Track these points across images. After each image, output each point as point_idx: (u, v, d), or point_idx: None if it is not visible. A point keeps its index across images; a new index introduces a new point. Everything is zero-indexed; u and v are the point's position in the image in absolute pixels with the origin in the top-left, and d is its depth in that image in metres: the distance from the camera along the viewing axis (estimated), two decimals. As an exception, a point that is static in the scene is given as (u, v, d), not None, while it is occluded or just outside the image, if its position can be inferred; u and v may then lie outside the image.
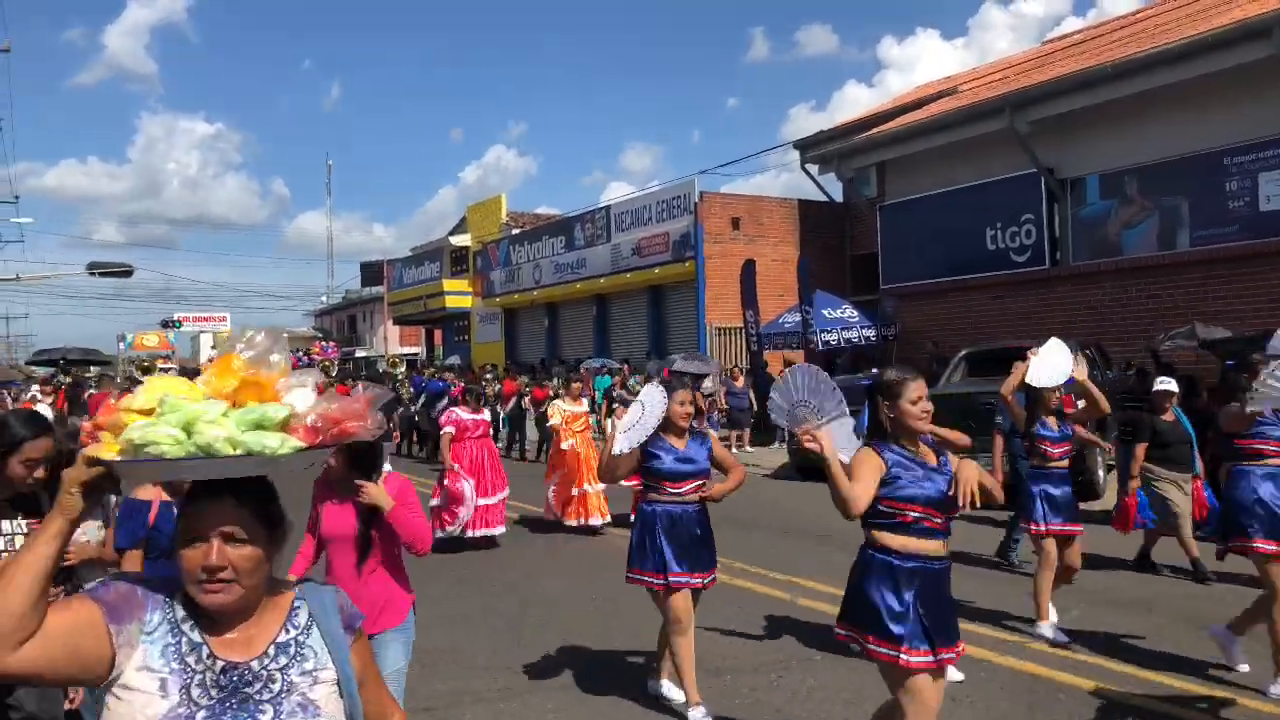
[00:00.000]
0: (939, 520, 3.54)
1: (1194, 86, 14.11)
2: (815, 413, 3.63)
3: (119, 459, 1.65)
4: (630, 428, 4.90)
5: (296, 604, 1.84)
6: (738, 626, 6.63)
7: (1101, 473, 11.85)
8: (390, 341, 45.69)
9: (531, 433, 18.69)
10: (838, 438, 3.64)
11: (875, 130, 20.08)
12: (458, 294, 33.56)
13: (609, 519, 10.40)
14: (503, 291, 30.56)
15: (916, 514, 3.49)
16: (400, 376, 21.38)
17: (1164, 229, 15.05)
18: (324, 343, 47.07)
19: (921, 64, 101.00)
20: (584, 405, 11.08)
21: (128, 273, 25.08)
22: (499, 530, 9.84)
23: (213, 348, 46.38)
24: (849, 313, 18.89)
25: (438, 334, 37.90)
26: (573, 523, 10.31)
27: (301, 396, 1.78)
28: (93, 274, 25.85)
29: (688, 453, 5.01)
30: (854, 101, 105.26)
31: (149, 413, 1.68)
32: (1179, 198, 14.80)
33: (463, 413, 9.89)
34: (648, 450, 4.95)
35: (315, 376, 1.85)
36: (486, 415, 10.26)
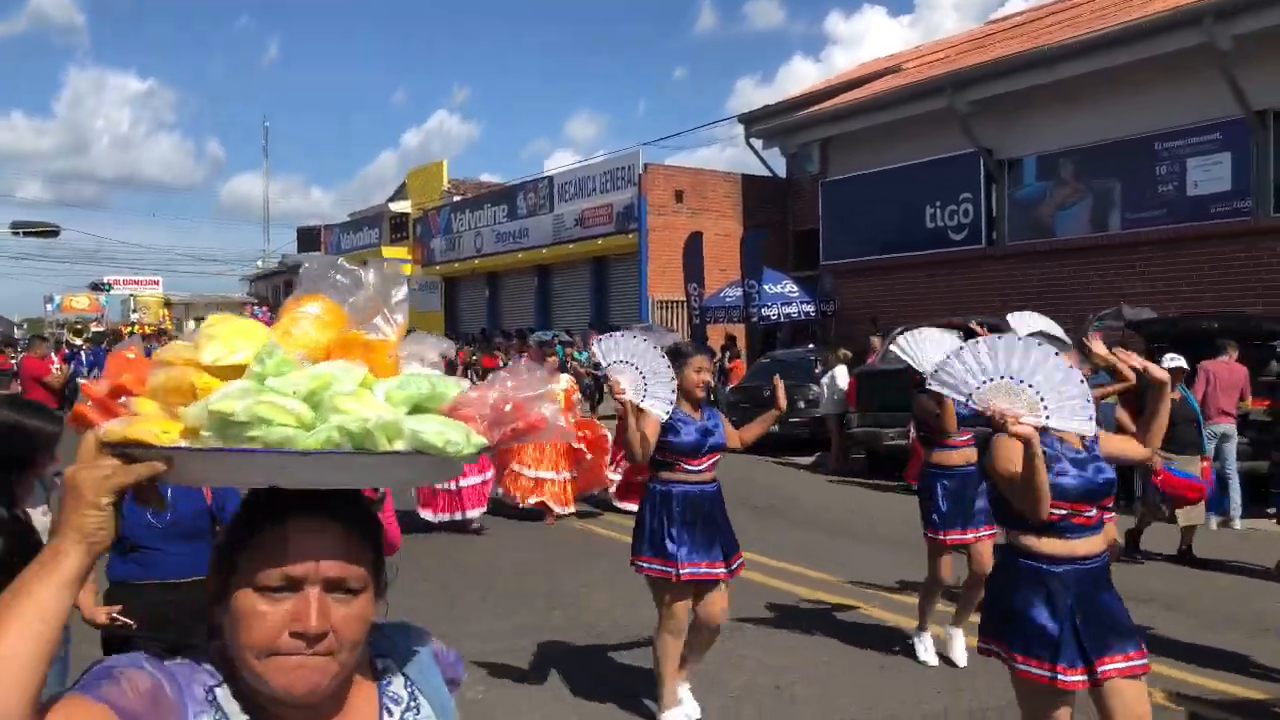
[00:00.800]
0: (1091, 515, 3.17)
1: (1128, 71, 14.39)
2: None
3: (190, 447, 1.03)
4: (645, 393, 4.17)
5: (382, 668, 1.23)
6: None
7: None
8: (328, 309, 44.92)
9: None
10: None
11: (819, 106, 20.16)
12: (397, 261, 33.07)
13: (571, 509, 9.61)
14: (443, 260, 30.23)
15: (1063, 510, 3.10)
16: None
17: (1096, 211, 15.37)
18: (256, 308, 46.14)
19: (868, 40, 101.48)
20: (563, 381, 9.77)
21: (54, 232, 24.23)
22: (476, 513, 8.91)
23: (134, 311, 45.24)
24: (789, 288, 19.03)
25: (377, 302, 37.38)
26: (563, 509, 9.46)
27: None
28: (16, 233, 24.94)
29: (706, 424, 4.53)
30: (800, 76, 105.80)
31: (231, 373, 1.08)
32: (1111, 180, 15.12)
33: None
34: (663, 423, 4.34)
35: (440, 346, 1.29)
36: None
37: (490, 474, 9.01)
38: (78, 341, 16.54)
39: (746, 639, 5.73)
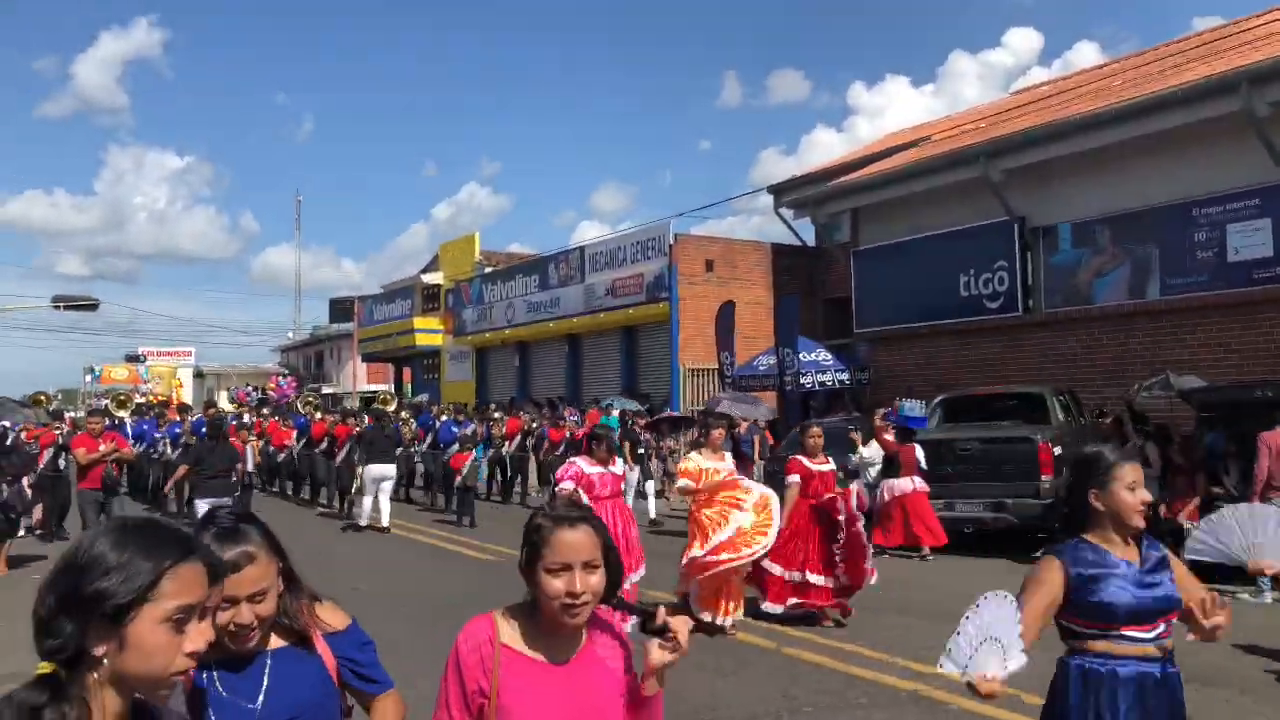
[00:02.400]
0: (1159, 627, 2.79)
1: (1164, 139, 14.38)
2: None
3: None
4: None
5: None
6: (727, 677, 6.51)
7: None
8: (358, 379, 45.25)
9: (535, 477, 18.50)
10: None
11: (850, 176, 20.27)
12: (428, 331, 33.35)
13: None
14: (474, 330, 30.39)
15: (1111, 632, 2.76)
16: (404, 415, 19.73)
17: (1134, 278, 15.24)
18: (281, 378, 46.47)
19: (891, 110, 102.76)
20: (727, 460, 8.03)
21: (93, 306, 24.67)
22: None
23: (145, 382, 45.42)
24: (823, 356, 18.93)
25: (406, 371, 37.60)
26: (726, 620, 7.65)
27: None
28: (57, 307, 25.38)
29: (1149, 568, 2.85)
30: (824, 146, 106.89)
31: None
32: (1149, 247, 15.00)
33: (586, 465, 7.58)
34: (1083, 577, 2.79)
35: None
36: (619, 468, 7.98)
37: (640, 573, 7.63)
38: (123, 414, 16.40)
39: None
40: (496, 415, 18.45)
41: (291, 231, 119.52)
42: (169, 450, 16.32)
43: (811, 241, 23.98)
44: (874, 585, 8.17)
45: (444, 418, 18.15)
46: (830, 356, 18.98)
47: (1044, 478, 11.07)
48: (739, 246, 24.12)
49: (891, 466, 11.79)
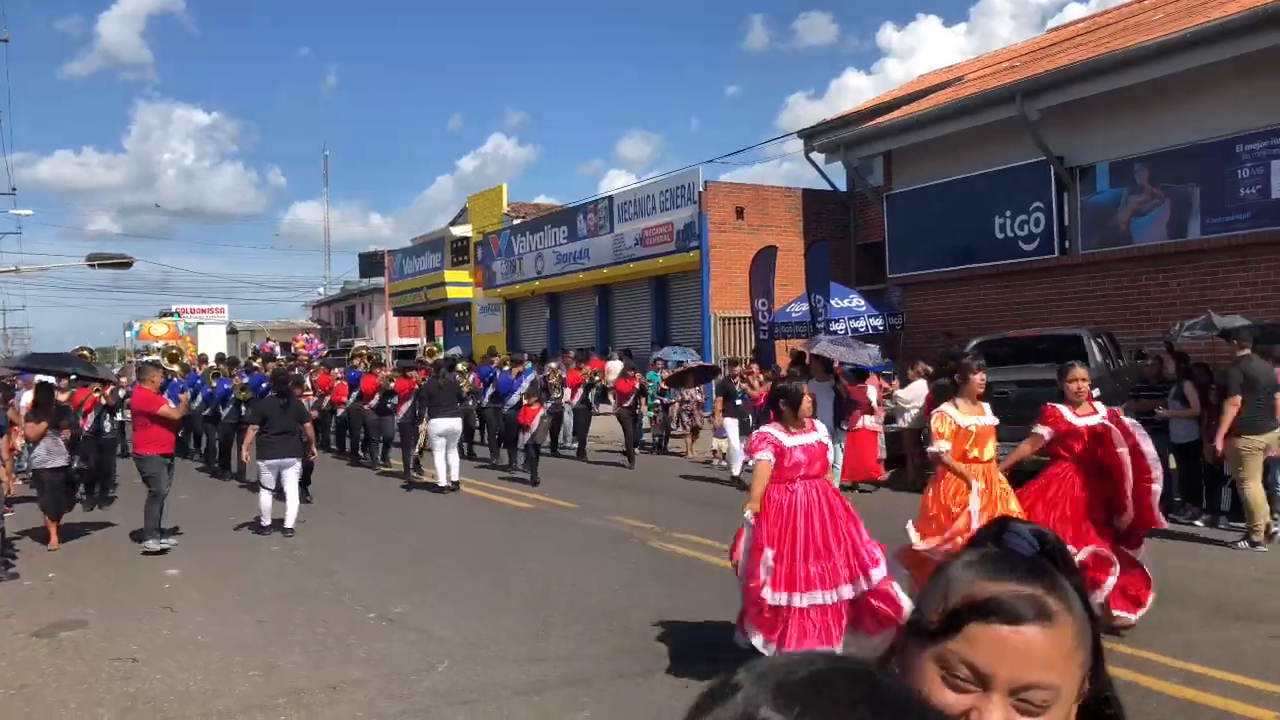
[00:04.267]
0: None
1: (1204, 74, 14.01)
2: None
3: None
4: None
5: None
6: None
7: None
8: (390, 332, 45.54)
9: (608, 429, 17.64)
10: None
11: (882, 119, 19.95)
12: (459, 284, 33.43)
13: None
14: (504, 282, 30.41)
15: None
16: (461, 368, 17.69)
17: (1174, 217, 14.96)
18: (307, 336, 46.80)
19: (922, 51, 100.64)
20: (988, 414, 6.23)
21: (127, 264, 24.82)
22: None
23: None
24: (857, 302, 18.79)
25: (438, 325, 37.76)
26: None
27: None
28: (92, 266, 25.60)
29: None
30: (853, 90, 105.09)
31: None
32: (1189, 185, 14.70)
33: (784, 435, 5.58)
34: None
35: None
36: (823, 432, 5.79)
37: (860, 588, 5.52)
38: (174, 368, 15.80)
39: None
40: (553, 365, 17.71)
41: (320, 187, 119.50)
42: (220, 409, 15.68)
43: (843, 187, 23.70)
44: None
45: (505, 368, 16.96)
46: (863, 302, 18.84)
47: (1082, 420, 11.01)
48: (769, 193, 23.90)
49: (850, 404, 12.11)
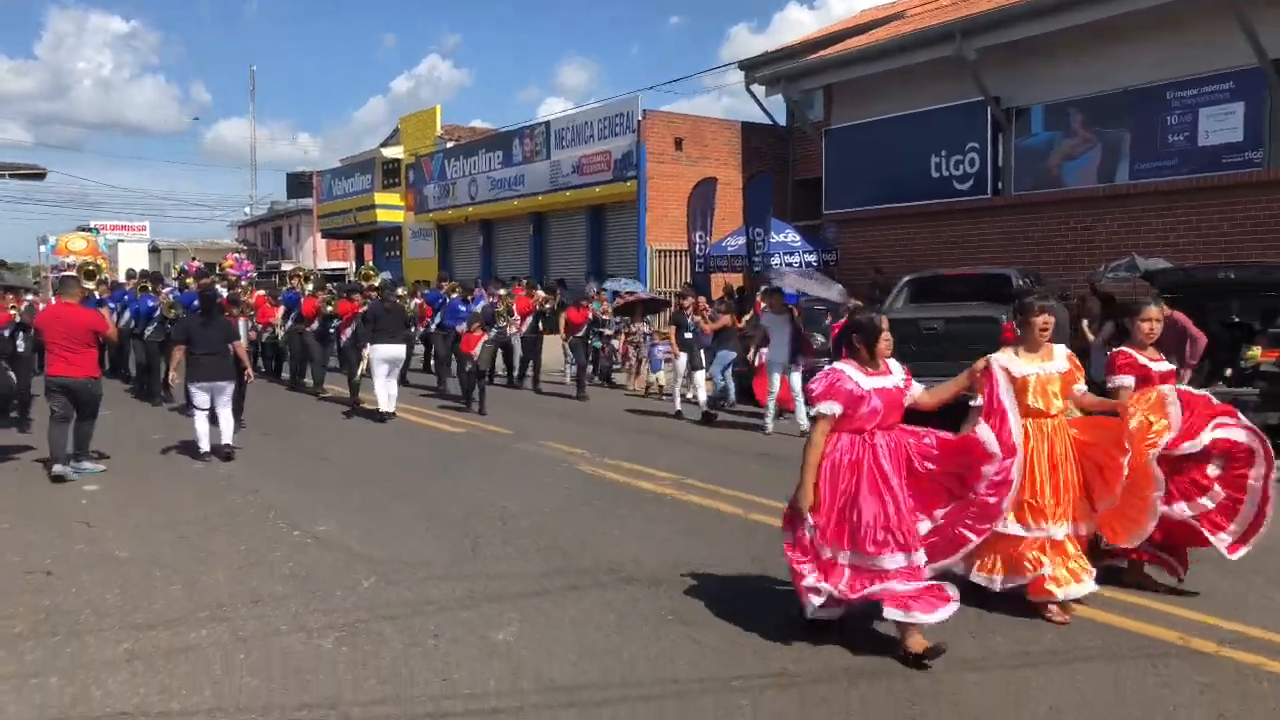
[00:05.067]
0: None
1: (1138, 20, 14.18)
2: None
3: None
4: None
5: None
6: (695, 539, 6.66)
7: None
8: (318, 255, 44.56)
9: (555, 361, 17.20)
10: None
11: (823, 52, 19.84)
12: (390, 208, 32.74)
13: None
14: (436, 207, 29.87)
15: None
16: (401, 292, 17.19)
17: (1105, 162, 15.21)
18: (238, 256, 45.60)
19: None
20: (1057, 359, 5.35)
21: (39, 175, 23.83)
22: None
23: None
24: (792, 237, 18.85)
25: (368, 249, 37.03)
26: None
27: None
28: (1, 175, 24.48)
29: None
30: (796, 23, 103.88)
31: None
32: (1121, 131, 14.94)
33: (861, 375, 4.66)
34: None
35: None
36: (900, 374, 4.77)
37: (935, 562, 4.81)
38: (90, 285, 14.75)
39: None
40: (502, 292, 16.59)
41: (245, 104, 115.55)
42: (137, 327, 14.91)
43: (783, 122, 23.61)
44: None
45: (453, 295, 16.44)
46: (799, 237, 18.91)
47: (1007, 357, 11.26)
48: (709, 125, 23.72)
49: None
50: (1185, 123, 14.18)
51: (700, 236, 19.01)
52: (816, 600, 4.65)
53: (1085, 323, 10.45)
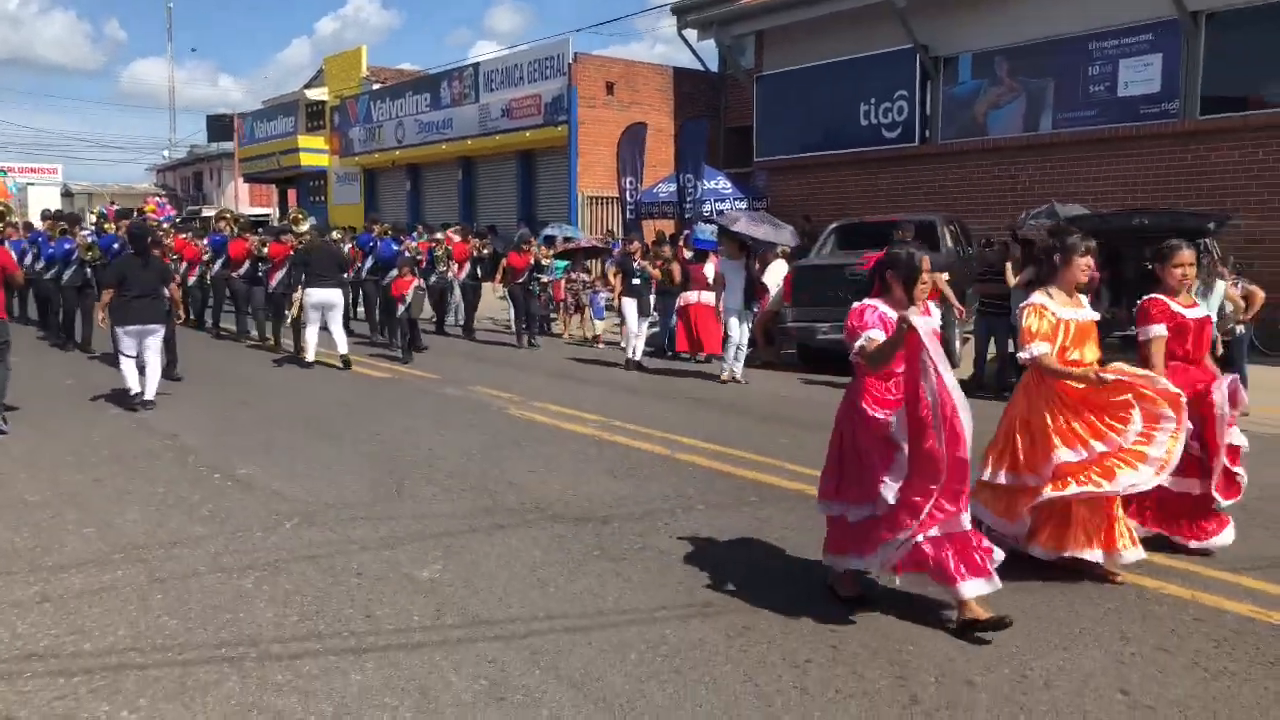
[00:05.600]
0: None
1: (1066, -30, 14.35)
2: None
3: None
4: None
5: None
6: (621, 479, 6.69)
7: (958, 343, 12.37)
8: (240, 200, 43.33)
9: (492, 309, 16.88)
10: None
11: (755, -3, 19.72)
12: (314, 151, 31.95)
13: None
14: (362, 150, 29.23)
15: None
16: (336, 235, 16.31)
17: (1029, 111, 15.45)
18: (159, 200, 44.17)
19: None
20: (1087, 308, 4.95)
21: (-60, 111, 22.52)
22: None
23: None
24: (723, 184, 18.85)
25: (291, 194, 36.13)
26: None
27: None
28: (-102, 111, 23.14)
29: None
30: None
31: None
32: (1045, 80, 15.17)
33: (890, 310, 4.26)
34: None
35: None
36: (937, 316, 4.50)
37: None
38: (0, 226, 13.80)
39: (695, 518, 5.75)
40: (439, 237, 16.04)
41: (163, 43, 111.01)
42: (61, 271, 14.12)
43: (715, 68, 23.48)
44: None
45: (385, 237, 15.49)
46: (729, 184, 18.92)
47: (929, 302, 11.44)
48: (641, 69, 23.51)
49: (686, 281, 12.53)
50: (1106, 73, 14.44)
51: (630, 182, 18.88)
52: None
53: (1009, 267, 10.66)
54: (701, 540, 5.34)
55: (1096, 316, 4.91)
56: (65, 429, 8.38)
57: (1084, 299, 4.99)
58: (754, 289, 11.41)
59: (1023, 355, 4.77)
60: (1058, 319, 4.73)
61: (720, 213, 18.39)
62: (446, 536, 5.39)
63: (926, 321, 4.16)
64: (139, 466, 7.00)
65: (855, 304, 4.37)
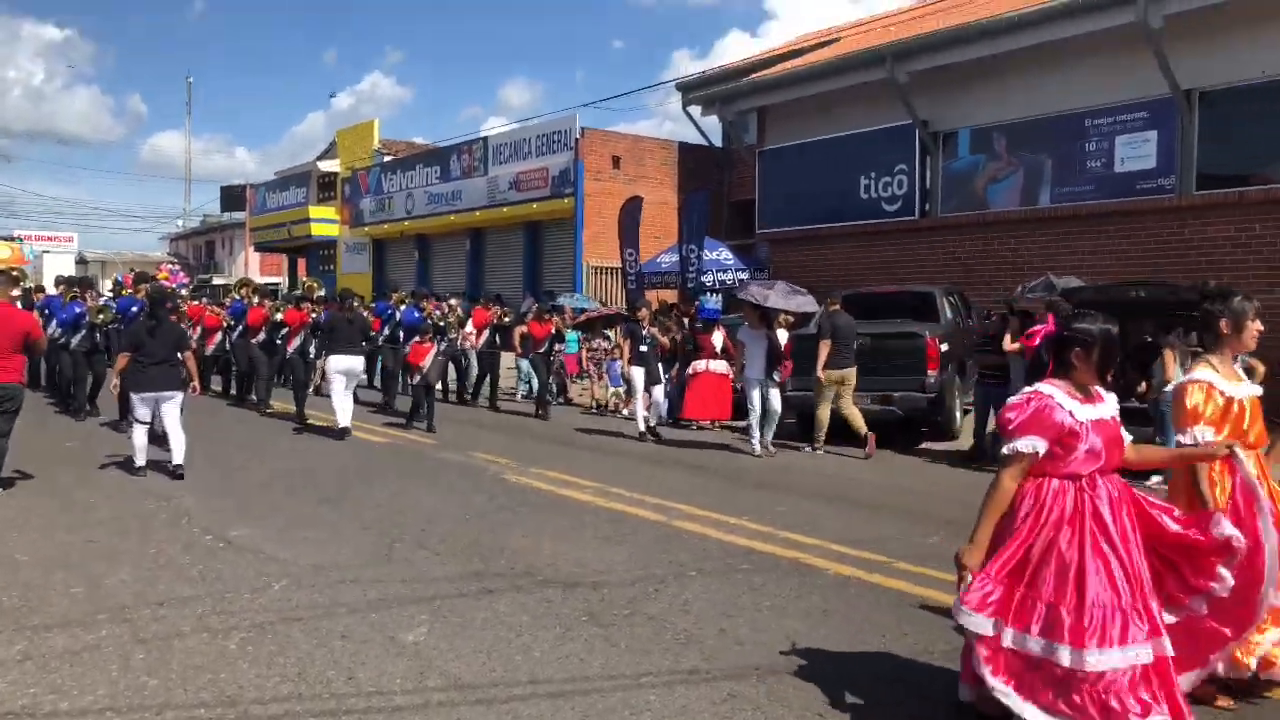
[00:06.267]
0: None
1: (1061, 48, 14.64)
2: None
3: None
4: None
5: None
6: (615, 545, 6.66)
7: (958, 413, 12.37)
8: (250, 269, 43.82)
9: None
10: None
11: (758, 75, 20.16)
12: (324, 221, 32.39)
13: None
14: (372, 221, 29.63)
15: None
16: (355, 304, 14.79)
17: (1027, 185, 15.65)
18: (172, 267, 44.68)
19: (806, 15, 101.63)
20: (1246, 383, 4.11)
21: (-41, 180, 22.96)
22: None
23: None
24: (725, 255, 19.05)
25: (301, 263, 36.54)
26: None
27: None
28: (-81, 179, 23.61)
29: None
30: (737, 49, 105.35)
31: None
32: (1043, 156, 15.39)
33: (1075, 403, 3.53)
34: None
35: None
36: (1113, 404, 3.66)
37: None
38: (15, 292, 13.52)
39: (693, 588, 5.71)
40: (452, 302, 15.86)
41: (182, 116, 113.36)
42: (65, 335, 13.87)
43: (719, 143, 23.88)
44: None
45: (404, 306, 15.33)
46: (731, 255, 19.12)
47: (930, 372, 11.48)
48: (646, 144, 23.93)
49: (695, 350, 12.58)
50: (1103, 149, 14.65)
51: (630, 254, 19.11)
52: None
53: (1008, 338, 10.73)
54: (692, 607, 5.31)
55: (1259, 391, 4.09)
56: (62, 487, 8.39)
57: (1240, 370, 4.16)
58: (776, 357, 11.26)
59: (1184, 439, 3.93)
60: (1224, 395, 3.93)
61: (724, 284, 18.58)
62: (434, 600, 5.37)
63: (1106, 408, 3.58)
64: (133, 527, 7.00)
65: (1024, 389, 3.68)
